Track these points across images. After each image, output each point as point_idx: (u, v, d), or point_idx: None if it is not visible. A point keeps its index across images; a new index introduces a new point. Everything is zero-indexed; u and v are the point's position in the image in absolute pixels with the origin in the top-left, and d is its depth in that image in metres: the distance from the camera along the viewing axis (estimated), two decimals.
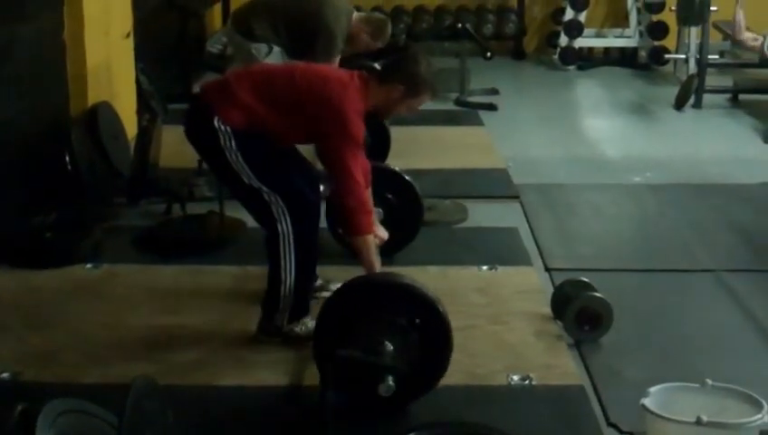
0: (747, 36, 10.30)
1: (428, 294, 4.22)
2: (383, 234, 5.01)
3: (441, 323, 4.19)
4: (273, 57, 6.65)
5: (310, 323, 4.67)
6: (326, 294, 4.83)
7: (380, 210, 5.45)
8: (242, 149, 4.60)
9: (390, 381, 3.93)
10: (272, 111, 4.64)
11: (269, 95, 4.69)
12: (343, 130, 4.56)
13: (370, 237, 4.64)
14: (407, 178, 6.01)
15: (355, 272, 4.54)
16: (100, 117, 6.84)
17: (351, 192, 4.55)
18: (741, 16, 10.32)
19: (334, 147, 4.57)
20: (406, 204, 5.90)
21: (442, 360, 4.19)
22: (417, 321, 4.15)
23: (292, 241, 4.65)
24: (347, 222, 4.64)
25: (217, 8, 11.90)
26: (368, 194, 4.76)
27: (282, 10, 6.85)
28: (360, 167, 4.66)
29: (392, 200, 5.80)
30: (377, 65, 7.17)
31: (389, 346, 4.05)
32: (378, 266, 4.64)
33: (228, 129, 4.58)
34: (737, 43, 10.71)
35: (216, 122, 4.59)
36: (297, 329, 4.77)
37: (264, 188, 4.63)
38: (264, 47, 6.66)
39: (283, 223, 4.64)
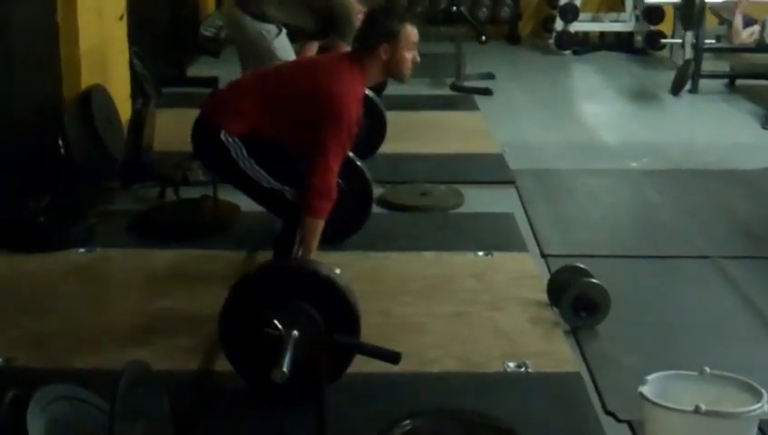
0: (744, 37, 10.24)
1: (339, 282, 4.11)
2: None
3: (350, 313, 4.07)
4: (281, 39, 6.62)
5: None
6: None
7: None
8: (254, 155, 4.59)
9: (285, 368, 3.82)
10: (271, 115, 4.62)
11: (266, 99, 4.68)
12: (336, 119, 4.51)
13: (321, 223, 4.55)
14: (358, 163, 5.87)
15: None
16: (93, 100, 6.79)
17: (322, 174, 4.47)
18: (739, 21, 10.25)
19: (323, 133, 4.50)
20: (356, 191, 5.71)
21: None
22: (327, 309, 4.01)
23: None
24: (306, 201, 4.52)
25: None
26: (335, 183, 4.68)
27: None
28: (341, 157, 4.61)
29: (342, 186, 5.63)
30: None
31: (295, 333, 3.97)
32: (314, 252, 4.54)
33: (236, 139, 4.57)
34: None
35: (222, 136, 4.57)
36: None
37: (286, 187, 4.63)
38: (273, 28, 6.61)
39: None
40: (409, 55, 4.75)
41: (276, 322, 3.90)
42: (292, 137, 4.69)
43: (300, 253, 4.54)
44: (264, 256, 5.16)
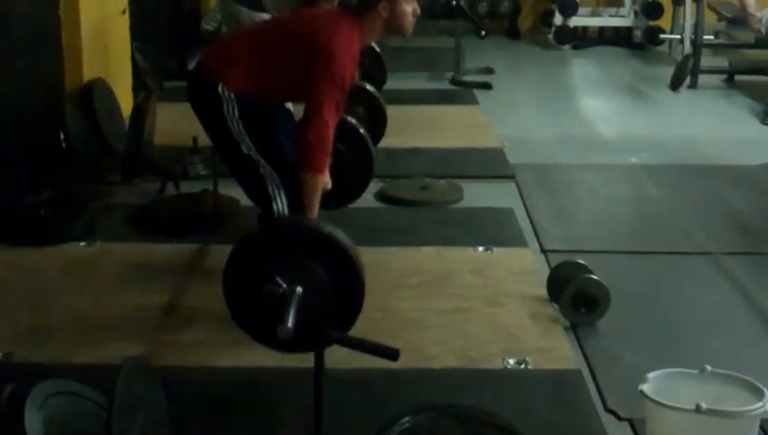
0: (754, 10, 9.98)
1: (343, 241, 4.11)
2: (328, 182, 4.82)
3: (353, 272, 4.09)
4: None
5: None
6: None
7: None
8: (243, 117, 4.55)
9: (290, 324, 3.79)
10: (269, 67, 4.60)
11: (264, 49, 4.65)
12: (330, 72, 4.47)
13: (320, 178, 4.51)
14: (361, 130, 5.90)
15: None
16: (95, 93, 6.81)
17: (317, 129, 4.43)
18: None
19: (316, 86, 4.45)
20: (357, 157, 5.78)
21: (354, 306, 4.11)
22: (331, 267, 4.03)
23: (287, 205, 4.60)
24: (303, 156, 4.48)
25: None
26: (332, 137, 4.61)
27: None
28: (335, 112, 4.56)
29: (343, 151, 5.59)
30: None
31: (299, 289, 3.94)
32: (315, 212, 4.52)
33: (232, 95, 4.54)
34: (744, 20, 10.33)
35: (219, 88, 4.54)
36: None
37: (262, 161, 4.59)
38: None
39: (278, 201, 4.60)
40: (409, 8, 4.69)
41: (279, 279, 3.91)
42: (288, 88, 4.69)
43: None
44: None
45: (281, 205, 4.60)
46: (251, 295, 4.00)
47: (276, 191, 4.59)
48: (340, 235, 4.10)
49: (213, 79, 4.58)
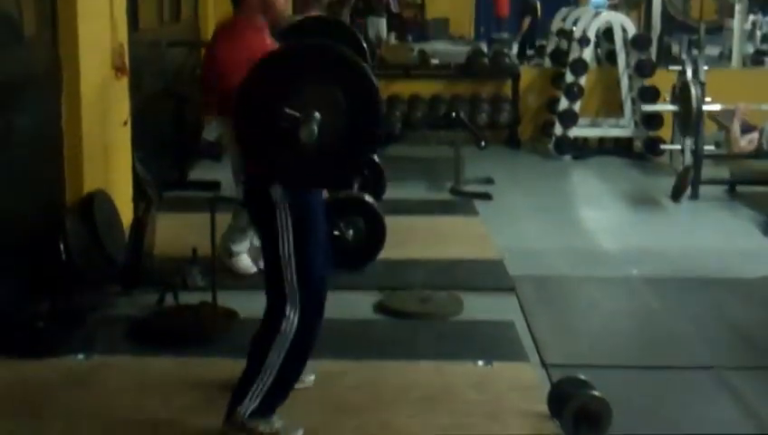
0: (743, 145, 10.24)
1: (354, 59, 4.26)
2: None
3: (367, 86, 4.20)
4: None
5: (278, 423, 4.61)
6: (300, 385, 4.83)
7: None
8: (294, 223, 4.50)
9: (314, 125, 3.97)
10: None
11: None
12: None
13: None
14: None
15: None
16: (95, 204, 6.81)
17: None
18: (737, 128, 10.27)
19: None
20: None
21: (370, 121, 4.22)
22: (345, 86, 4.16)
23: (289, 344, 4.52)
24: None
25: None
26: None
27: None
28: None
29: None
30: None
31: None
32: None
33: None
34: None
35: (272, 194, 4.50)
36: (262, 428, 4.60)
37: (291, 267, 4.51)
38: None
39: (290, 321, 4.53)
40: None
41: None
42: None
43: None
44: None
45: (289, 327, 4.53)
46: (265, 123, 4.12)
47: (292, 312, 4.54)
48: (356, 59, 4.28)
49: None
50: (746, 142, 10.28)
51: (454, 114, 10.91)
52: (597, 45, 13.40)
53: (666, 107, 11.73)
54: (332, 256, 5.12)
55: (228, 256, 7.03)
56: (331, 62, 4.20)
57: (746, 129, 10.42)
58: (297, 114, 4.01)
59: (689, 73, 10.42)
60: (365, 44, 6.44)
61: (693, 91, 10.07)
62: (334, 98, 4.11)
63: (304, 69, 4.18)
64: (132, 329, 6.17)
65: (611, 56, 13.06)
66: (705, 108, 10.22)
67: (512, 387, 5.41)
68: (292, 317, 4.51)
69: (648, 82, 12.44)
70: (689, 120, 10.20)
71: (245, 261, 7.10)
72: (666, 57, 14.44)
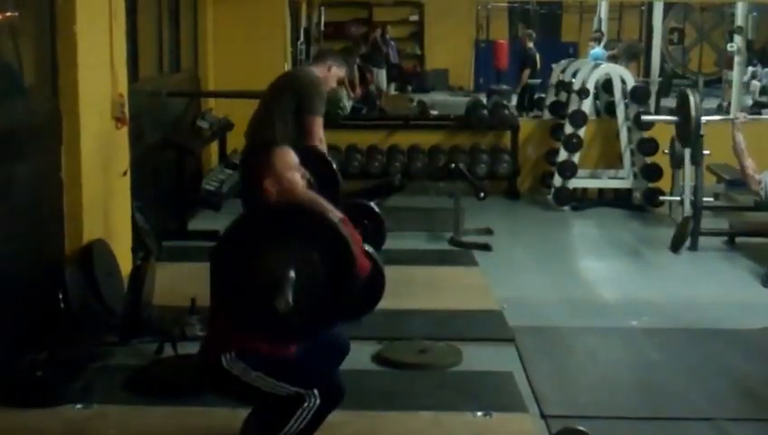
0: (750, 162, 9.86)
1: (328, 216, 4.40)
2: None
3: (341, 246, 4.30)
4: None
5: None
6: None
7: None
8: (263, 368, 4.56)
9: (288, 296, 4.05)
10: None
11: None
12: None
13: None
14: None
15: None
16: (94, 254, 6.83)
17: None
18: (741, 138, 9.95)
19: None
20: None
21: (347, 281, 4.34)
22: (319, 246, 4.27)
23: (311, 414, 4.54)
24: None
25: (213, 146, 12.02)
26: None
27: None
28: None
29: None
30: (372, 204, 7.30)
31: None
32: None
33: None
34: (744, 182, 10.23)
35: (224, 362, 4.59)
36: None
37: (302, 391, 4.54)
38: None
39: (313, 399, 4.55)
40: (296, 176, 4.91)
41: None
42: None
43: None
44: None
45: (313, 402, 4.54)
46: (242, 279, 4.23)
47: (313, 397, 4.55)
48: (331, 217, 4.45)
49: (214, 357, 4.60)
50: (752, 168, 9.82)
51: (453, 165, 10.92)
52: (596, 97, 13.43)
53: (667, 118, 11.77)
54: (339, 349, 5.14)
55: None
56: (311, 226, 4.30)
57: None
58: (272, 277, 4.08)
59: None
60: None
61: (692, 100, 10.12)
62: (311, 262, 4.16)
63: (285, 230, 4.30)
64: (131, 379, 6.15)
65: (610, 108, 13.10)
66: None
67: None
68: (312, 401, 4.53)
69: (647, 134, 12.46)
70: (689, 129, 10.20)
71: None
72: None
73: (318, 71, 7.61)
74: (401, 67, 25.78)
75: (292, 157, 4.86)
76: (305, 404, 4.50)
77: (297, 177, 4.82)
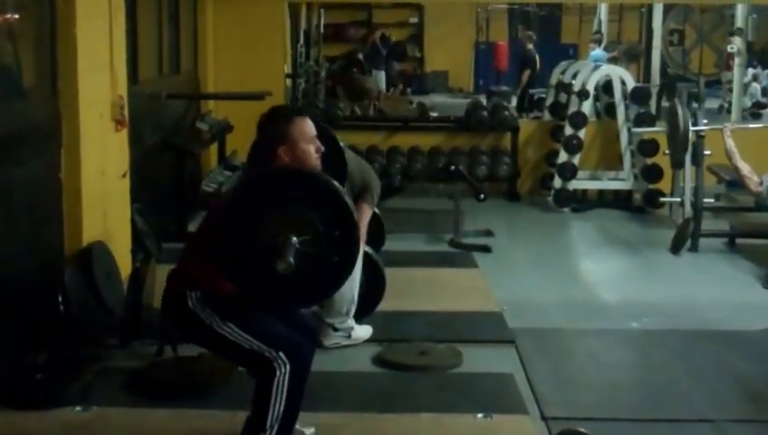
0: (743, 165, 9.85)
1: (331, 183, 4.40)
2: None
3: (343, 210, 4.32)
4: None
5: None
6: None
7: None
8: (228, 317, 4.59)
9: (291, 258, 4.08)
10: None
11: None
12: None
13: None
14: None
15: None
16: (94, 256, 6.82)
17: None
18: (731, 144, 9.96)
19: None
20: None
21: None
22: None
23: (287, 383, 4.54)
24: None
25: (213, 148, 12.01)
26: None
27: None
28: None
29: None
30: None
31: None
32: None
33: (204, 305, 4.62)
34: (739, 179, 10.18)
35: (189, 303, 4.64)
36: None
37: (266, 349, 4.55)
38: None
39: (283, 366, 4.55)
40: (311, 147, 4.78)
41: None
42: None
43: None
44: None
45: (282, 375, 4.55)
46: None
47: (281, 364, 4.55)
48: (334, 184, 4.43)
49: (180, 294, 4.65)
50: (748, 171, 9.83)
51: (453, 167, 10.92)
52: (596, 99, 13.42)
53: (656, 129, 11.80)
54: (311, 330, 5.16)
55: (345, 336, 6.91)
56: (311, 189, 4.33)
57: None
58: (276, 241, 4.09)
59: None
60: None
61: (680, 111, 10.13)
62: (312, 223, 4.18)
63: (285, 194, 4.31)
64: (130, 381, 6.14)
65: (611, 109, 13.09)
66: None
67: None
68: (283, 369, 4.53)
69: (647, 135, 12.46)
70: (677, 139, 10.21)
71: (361, 330, 6.99)
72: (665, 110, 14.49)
73: None
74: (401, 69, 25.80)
75: (310, 127, 4.82)
76: (277, 374, 4.51)
77: (311, 148, 4.78)
